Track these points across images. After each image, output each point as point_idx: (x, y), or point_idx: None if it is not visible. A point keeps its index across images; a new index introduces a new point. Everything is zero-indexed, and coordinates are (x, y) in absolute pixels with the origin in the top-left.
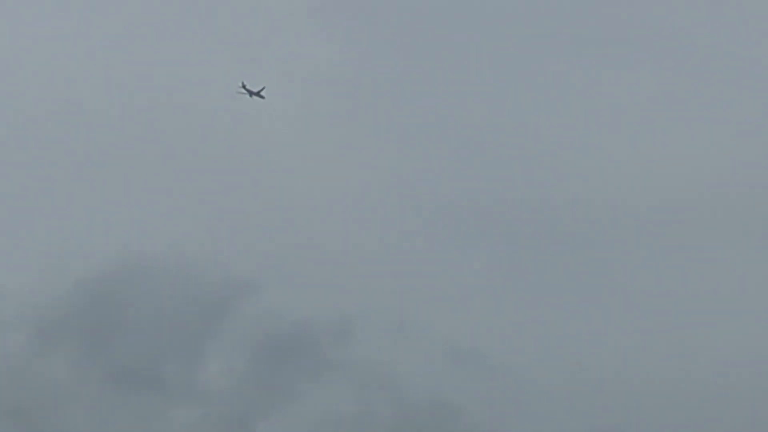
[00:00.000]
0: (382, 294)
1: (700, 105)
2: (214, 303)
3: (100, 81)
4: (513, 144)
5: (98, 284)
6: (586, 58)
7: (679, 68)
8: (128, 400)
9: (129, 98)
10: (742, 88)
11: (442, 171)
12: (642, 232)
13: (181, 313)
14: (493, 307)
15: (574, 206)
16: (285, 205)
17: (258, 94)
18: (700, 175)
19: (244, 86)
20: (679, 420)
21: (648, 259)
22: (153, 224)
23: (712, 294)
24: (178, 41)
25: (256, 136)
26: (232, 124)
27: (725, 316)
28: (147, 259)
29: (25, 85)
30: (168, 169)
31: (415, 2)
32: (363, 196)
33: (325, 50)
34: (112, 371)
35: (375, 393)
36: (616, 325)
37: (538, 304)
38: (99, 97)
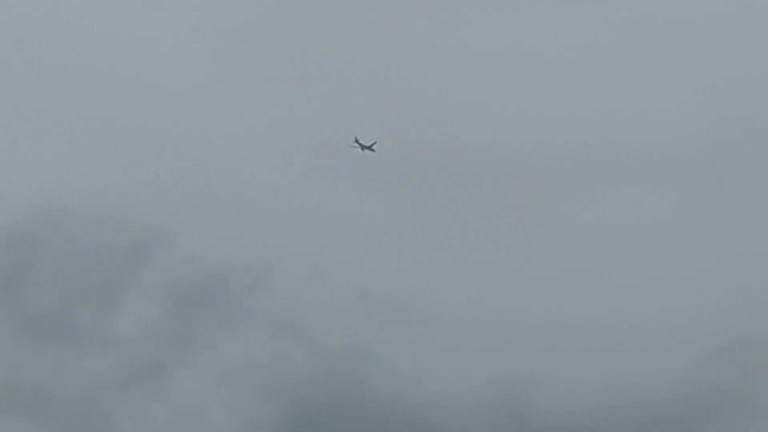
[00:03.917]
0: (297, 241)
1: (613, 50)
2: (129, 251)
3: (15, 27)
4: (425, 87)
5: (14, 231)
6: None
7: (592, 14)
8: (42, 347)
9: (44, 46)
10: (656, 34)
11: (356, 115)
12: (554, 178)
13: (96, 260)
14: (408, 253)
15: (488, 150)
16: (199, 153)
17: (369, 147)
18: (613, 120)
19: (357, 140)
20: (591, 365)
21: (561, 204)
22: (69, 173)
23: (626, 238)
24: None
25: (171, 87)
26: (144, 74)
27: (638, 261)
28: (63, 206)
29: None
30: (84, 117)
31: None
32: (278, 143)
33: None
34: (26, 319)
35: (290, 339)
36: (531, 271)
37: (453, 250)
38: (15, 43)
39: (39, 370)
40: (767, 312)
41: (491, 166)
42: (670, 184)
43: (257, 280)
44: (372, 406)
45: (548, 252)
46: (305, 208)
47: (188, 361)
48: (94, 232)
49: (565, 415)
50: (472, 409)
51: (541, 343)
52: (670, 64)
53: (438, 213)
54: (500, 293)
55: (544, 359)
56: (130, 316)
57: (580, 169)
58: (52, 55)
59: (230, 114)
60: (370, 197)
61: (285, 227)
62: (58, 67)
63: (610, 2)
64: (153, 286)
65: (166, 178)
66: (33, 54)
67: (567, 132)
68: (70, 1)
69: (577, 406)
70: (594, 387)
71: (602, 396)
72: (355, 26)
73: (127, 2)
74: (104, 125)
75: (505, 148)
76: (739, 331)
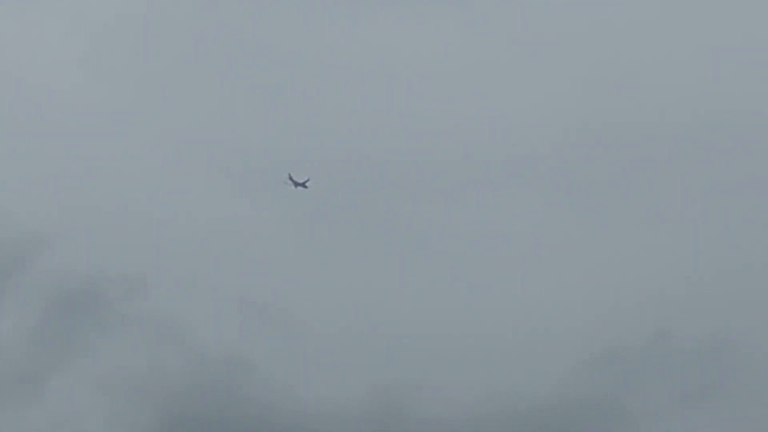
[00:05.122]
0: (175, 249)
1: (485, 62)
2: (4, 259)
3: None
4: (312, 100)
5: None
6: (380, 11)
7: (462, 28)
8: None
9: None
10: (525, 44)
11: (236, 125)
12: (432, 187)
13: None
14: (287, 262)
15: (365, 160)
16: (76, 161)
17: (303, 184)
18: (485, 130)
19: (290, 177)
20: (469, 372)
21: (438, 213)
22: None
23: (502, 247)
24: None
25: (45, 90)
26: (20, 79)
27: (514, 270)
28: None
29: None
30: None
31: None
32: (155, 150)
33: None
34: None
35: (167, 348)
36: (408, 278)
37: (331, 258)
38: None
39: None
40: (638, 319)
41: (369, 176)
42: (545, 193)
43: (134, 287)
44: (249, 415)
45: (426, 260)
46: (182, 216)
47: (64, 369)
48: None
49: (443, 422)
50: (350, 418)
51: (418, 350)
52: (540, 75)
53: (315, 220)
54: (378, 300)
55: (421, 367)
56: (4, 323)
57: (457, 179)
58: None
59: (108, 122)
60: (248, 204)
61: (162, 235)
62: None
63: (476, 16)
64: (28, 293)
65: (42, 182)
66: None
67: (442, 143)
68: None
69: (455, 413)
70: (472, 394)
71: (480, 403)
72: (244, 46)
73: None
74: None
75: (382, 158)
76: (612, 338)
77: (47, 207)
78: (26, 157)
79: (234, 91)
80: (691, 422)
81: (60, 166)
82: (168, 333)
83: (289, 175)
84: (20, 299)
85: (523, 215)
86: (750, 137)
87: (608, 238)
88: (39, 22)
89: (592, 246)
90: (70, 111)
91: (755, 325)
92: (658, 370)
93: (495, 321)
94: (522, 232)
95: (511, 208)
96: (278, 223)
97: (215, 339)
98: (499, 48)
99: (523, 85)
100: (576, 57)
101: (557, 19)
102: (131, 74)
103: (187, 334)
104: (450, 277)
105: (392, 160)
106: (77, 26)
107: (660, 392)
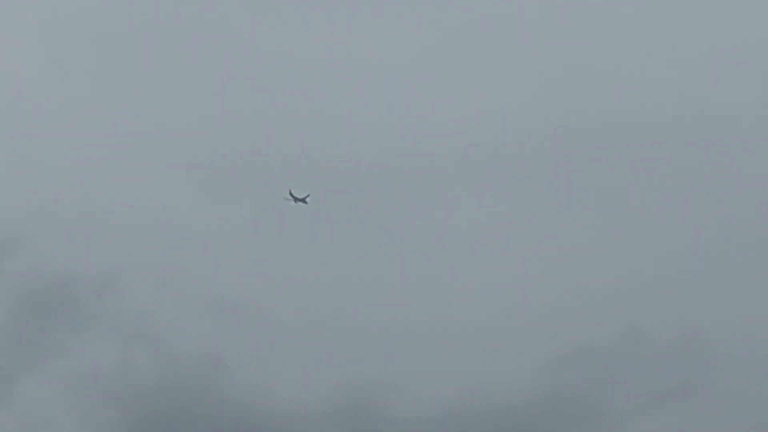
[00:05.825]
0: (147, 247)
1: (441, 56)
2: None
3: None
4: (285, 97)
5: None
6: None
7: (417, 21)
8: None
9: None
10: (479, 40)
11: (205, 122)
12: (404, 185)
13: None
14: (257, 259)
15: (336, 158)
16: (45, 160)
17: (303, 200)
18: (443, 124)
19: (291, 193)
20: (441, 370)
21: (410, 209)
22: None
23: (472, 243)
24: None
25: (11, 88)
26: None
27: (485, 266)
28: None
29: None
30: None
31: None
32: (125, 149)
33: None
34: None
35: (138, 346)
36: (379, 276)
37: (302, 256)
38: None
39: None
40: (611, 317)
41: (341, 173)
42: (517, 190)
43: (105, 286)
44: (222, 415)
45: (395, 256)
46: (152, 214)
47: (37, 368)
48: None
49: (416, 421)
50: (322, 417)
51: (391, 348)
52: (496, 70)
53: (286, 218)
54: (348, 299)
55: (394, 365)
56: None
57: (427, 175)
58: None
59: (76, 120)
60: (218, 202)
61: (133, 234)
62: None
63: (433, 9)
64: None
65: (10, 185)
66: None
67: (409, 137)
68: None
69: (429, 411)
70: (446, 393)
71: (454, 402)
72: (207, 42)
73: None
74: None
75: (352, 154)
76: (585, 336)
77: (16, 206)
78: None
79: (207, 87)
80: (664, 420)
81: (30, 165)
82: (140, 332)
83: (290, 191)
84: None
85: (494, 212)
86: (723, 131)
87: (580, 235)
88: (7, 17)
89: (564, 243)
90: (38, 108)
91: (728, 323)
92: (631, 368)
93: (467, 319)
94: (492, 230)
95: (482, 205)
96: (251, 221)
97: (187, 338)
98: (467, 41)
99: (489, 78)
100: (541, 48)
101: (527, 12)
102: (102, 71)
103: (160, 333)
104: (422, 276)
105: (362, 155)
106: (46, 21)
107: (633, 390)
